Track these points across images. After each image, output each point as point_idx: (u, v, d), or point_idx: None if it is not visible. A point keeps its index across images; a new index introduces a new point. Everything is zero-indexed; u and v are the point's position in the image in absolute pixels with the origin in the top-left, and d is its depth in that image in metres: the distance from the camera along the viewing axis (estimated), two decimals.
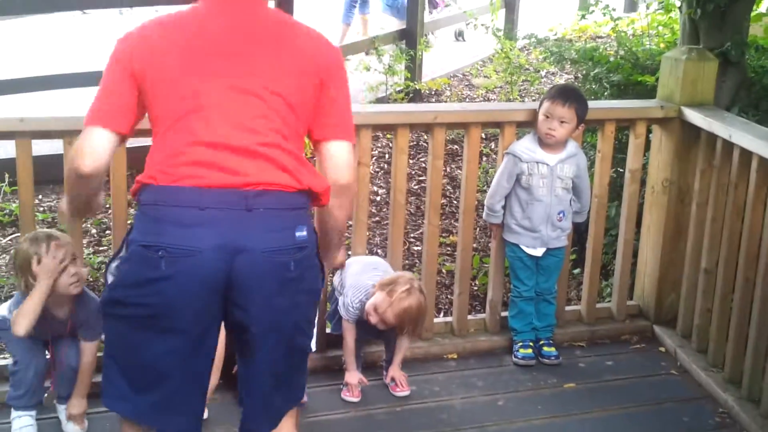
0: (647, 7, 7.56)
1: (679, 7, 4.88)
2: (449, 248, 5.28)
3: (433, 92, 8.29)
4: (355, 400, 3.35)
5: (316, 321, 3.50)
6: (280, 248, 2.13)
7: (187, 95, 2.14)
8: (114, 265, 2.22)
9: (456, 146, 6.59)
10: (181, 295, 2.09)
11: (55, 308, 2.92)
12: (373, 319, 3.23)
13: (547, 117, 3.50)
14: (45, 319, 2.87)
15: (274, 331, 2.19)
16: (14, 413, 3.02)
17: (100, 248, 4.95)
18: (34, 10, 7.90)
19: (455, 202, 5.33)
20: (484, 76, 8.83)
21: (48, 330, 2.95)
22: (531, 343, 3.71)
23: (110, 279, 2.22)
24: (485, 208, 3.70)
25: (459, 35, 11.09)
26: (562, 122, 3.49)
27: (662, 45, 5.98)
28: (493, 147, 6.43)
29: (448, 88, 8.44)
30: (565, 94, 3.52)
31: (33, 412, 3.04)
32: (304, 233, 2.17)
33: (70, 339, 3.02)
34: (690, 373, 3.65)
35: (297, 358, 2.31)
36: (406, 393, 3.41)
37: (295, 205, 2.18)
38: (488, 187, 3.74)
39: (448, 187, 6.03)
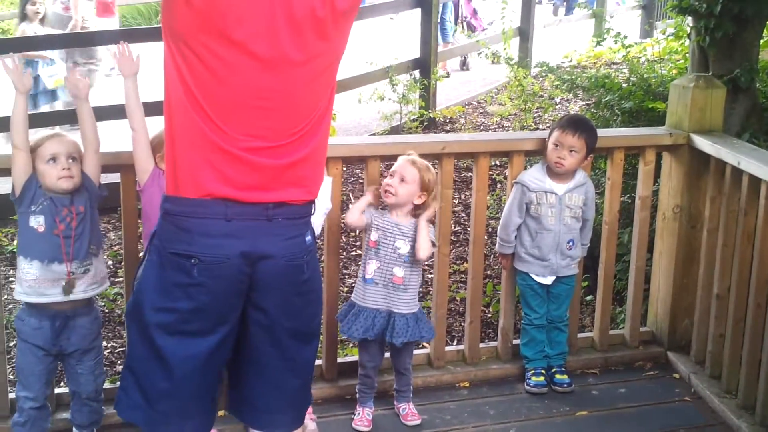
0: (662, 34, 7.59)
1: (688, 35, 4.91)
2: (463, 275, 5.29)
3: (447, 120, 8.33)
4: (366, 430, 3.36)
5: (326, 350, 3.55)
6: (296, 254, 2.29)
7: None
8: (140, 271, 2.32)
9: (470, 173, 6.61)
10: (210, 300, 2.22)
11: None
12: (392, 180, 3.23)
13: (557, 146, 3.53)
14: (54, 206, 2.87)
15: (291, 329, 2.34)
16: None
17: (116, 279, 5.01)
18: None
19: (469, 229, 5.35)
20: (499, 104, 8.87)
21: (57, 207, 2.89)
22: (543, 371, 3.71)
23: (136, 286, 2.32)
24: (498, 239, 3.72)
25: (463, 65, 11.24)
26: (571, 151, 3.52)
27: (674, 71, 6.01)
28: (506, 174, 6.44)
29: (463, 116, 8.48)
30: (575, 124, 3.55)
31: None
32: (310, 237, 2.36)
33: (82, 362, 3.03)
34: (704, 399, 3.63)
35: (309, 343, 2.43)
36: (418, 422, 3.41)
37: (305, 214, 2.33)
38: (501, 214, 3.76)
39: (462, 215, 6.05)
